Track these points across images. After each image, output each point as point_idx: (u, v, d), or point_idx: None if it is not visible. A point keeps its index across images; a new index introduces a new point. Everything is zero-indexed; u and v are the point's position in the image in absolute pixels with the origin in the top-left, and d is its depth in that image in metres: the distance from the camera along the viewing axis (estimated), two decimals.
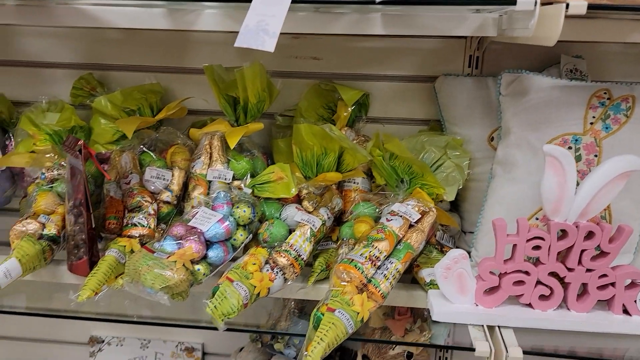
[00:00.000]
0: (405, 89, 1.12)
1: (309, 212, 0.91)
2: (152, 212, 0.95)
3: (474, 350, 0.76)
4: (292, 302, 1.01)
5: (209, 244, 0.84)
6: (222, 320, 0.73)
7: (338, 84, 1.10)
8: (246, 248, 0.90)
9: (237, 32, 0.60)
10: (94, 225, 0.88)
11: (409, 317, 1.04)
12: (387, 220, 0.84)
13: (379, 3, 0.60)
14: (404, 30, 0.75)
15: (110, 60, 1.17)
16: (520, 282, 0.80)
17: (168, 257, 0.80)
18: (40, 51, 1.18)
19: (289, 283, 0.85)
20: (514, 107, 0.90)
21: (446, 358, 1.31)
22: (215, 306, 0.74)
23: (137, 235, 0.92)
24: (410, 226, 0.85)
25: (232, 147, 0.96)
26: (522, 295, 0.81)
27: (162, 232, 0.96)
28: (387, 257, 0.80)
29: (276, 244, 0.88)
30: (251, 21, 0.57)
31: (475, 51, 1.06)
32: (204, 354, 1.39)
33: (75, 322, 1.38)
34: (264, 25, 0.56)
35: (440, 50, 1.08)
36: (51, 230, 0.93)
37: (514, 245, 0.79)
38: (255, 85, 0.97)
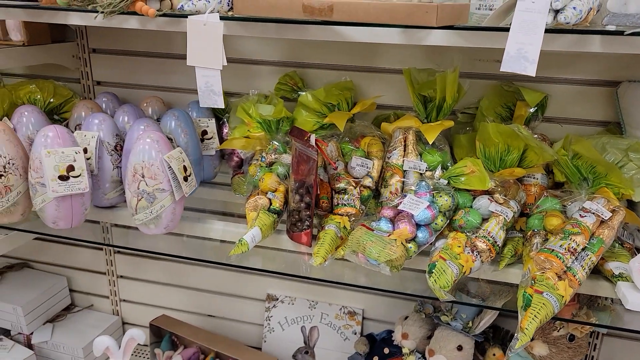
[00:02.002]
0: (585, 91, 1.19)
1: (500, 204, 1.03)
2: (357, 194, 1.12)
3: None
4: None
5: (417, 226, 0.99)
6: (441, 290, 0.88)
7: (520, 85, 1.19)
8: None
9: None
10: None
11: (576, 304, 1.13)
12: (581, 216, 0.94)
13: (629, 34, 0.70)
14: (620, 49, 0.83)
15: (309, 59, 1.35)
16: None
17: (389, 235, 0.96)
18: (250, 50, 1.38)
19: (483, 265, 0.98)
20: None
21: (595, 344, 1.39)
22: (434, 280, 0.89)
23: (346, 214, 1.09)
24: (601, 222, 0.95)
25: (430, 142, 1.09)
26: None
27: (362, 211, 1.13)
28: (583, 249, 0.90)
29: (470, 230, 1.01)
30: (512, 49, 0.69)
31: None
32: (364, 318, 1.57)
33: (255, 280, 1.62)
34: (523, 53, 0.68)
35: (624, 57, 1.14)
36: (276, 205, 1.12)
37: None
38: (453, 88, 1.10)
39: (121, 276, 1.74)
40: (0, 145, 1.04)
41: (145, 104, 1.38)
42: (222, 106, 0.92)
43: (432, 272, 0.91)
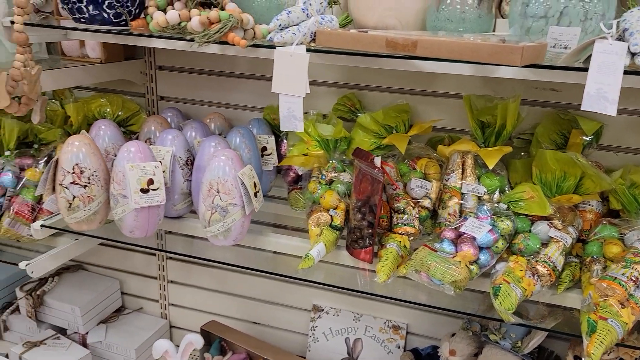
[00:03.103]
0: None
1: (559, 230, 1.07)
2: (415, 214, 1.17)
3: None
4: None
5: (479, 248, 1.03)
6: (507, 313, 0.92)
7: (575, 114, 1.23)
8: None
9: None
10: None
11: None
12: None
13: None
14: None
15: (367, 82, 1.40)
16: None
17: (453, 257, 1.00)
18: (311, 72, 1.42)
19: (542, 289, 1.02)
20: None
21: None
22: (500, 302, 0.94)
23: (406, 233, 1.14)
24: None
25: (491, 168, 1.14)
26: None
27: (421, 231, 1.18)
28: None
29: (530, 254, 1.05)
30: (591, 89, 0.74)
31: None
32: (408, 332, 1.61)
33: (301, 290, 1.67)
34: (603, 93, 0.73)
35: None
36: (337, 221, 1.18)
37: None
38: (514, 116, 1.14)
39: (171, 281, 1.81)
40: (86, 158, 1.12)
41: (208, 120, 1.45)
42: (302, 130, 0.97)
43: (498, 295, 0.95)
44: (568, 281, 1.04)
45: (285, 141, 1.43)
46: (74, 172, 1.11)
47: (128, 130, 1.50)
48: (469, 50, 0.77)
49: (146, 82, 1.54)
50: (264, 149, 1.40)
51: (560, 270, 1.02)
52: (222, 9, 1.08)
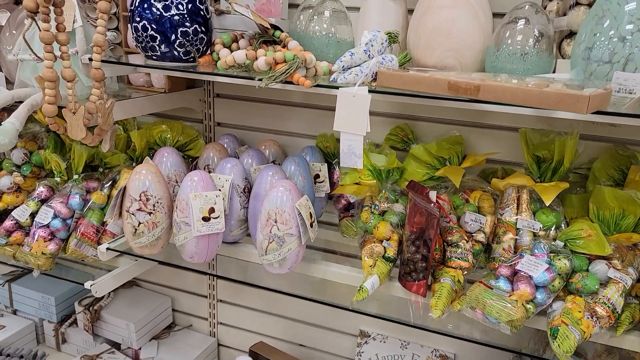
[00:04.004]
0: None
1: (619, 270, 1.05)
2: (469, 248, 1.17)
3: None
4: None
5: (536, 287, 1.03)
6: (566, 355, 0.91)
7: (634, 150, 1.21)
8: None
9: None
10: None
11: None
12: None
13: None
14: None
15: (420, 113, 1.42)
16: None
17: (510, 296, 1.00)
18: None
19: (601, 331, 1.01)
20: None
21: None
22: (558, 345, 0.93)
23: (460, 267, 1.15)
24: None
25: (547, 204, 1.13)
26: None
27: (474, 265, 1.18)
28: None
29: (587, 294, 1.04)
30: None
31: None
32: None
33: (349, 315, 1.69)
34: None
35: None
36: (390, 253, 1.19)
37: None
38: (571, 152, 1.14)
39: (221, 300, 1.85)
40: (152, 186, 1.17)
41: (263, 147, 1.49)
42: (361, 167, 1.00)
43: (556, 337, 0.94)
44: (628, 323, 1.02)
45: (337, 169, 1.46)
46: (140, 200, 1.17)
47: (186, 155, 1.56)
48: (534, 97, 0.78)
49: (205, 109, 1.61)
50: (317, 176, 1.43)
51: (619, 312, 1.01)
52: (285, 46, 1.13)
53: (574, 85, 0.84)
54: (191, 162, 1.53)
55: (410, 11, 1.17)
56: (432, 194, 1.13)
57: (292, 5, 1.41)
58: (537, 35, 0.98)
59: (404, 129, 1.41)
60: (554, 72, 1.01)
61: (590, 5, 0.99)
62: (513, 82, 0.86)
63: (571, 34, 1.01)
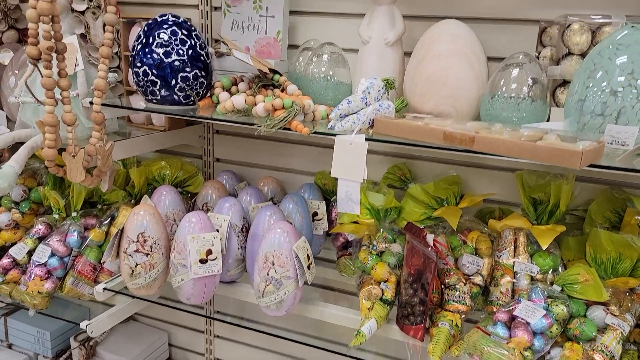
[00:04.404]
0: None
1: (616, 316, 1.05)
2: (467, 291, 1.17)
3: None
4: None
5: (533, 333, 1.02)
6: None
7: (630, 192, 1.22)
8: None
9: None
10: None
11: None
12: None
13: None
14: None
15: (417, 152, 1.43)
16: None
17: (507, 343, 1.00)
18: None
19: None
20: None
21: None
22: None
23: (457, 311, 1.14)
24: None
25: (544, 248, 1.13)
26: None
27: (472, 308, 1.17)
28: None
29: (585, 341, 1.03)
30: None
31: None
32: None
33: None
34: None
35: None
36: (388, 295, 1.19)
37: None
38: (567, 197, 1.14)
39: (218, 336, 1.84)
40: (150, 227, 1.18)
41: (262, 184, 1.50)
42: (359, 213, 1.01)
43: None
44: None
45: (335, 207, 1.47)
46: (138, 241, 1.17)
47: (185, 191, 1.57)
48: (527, 151, 0.79)
49: (204, 145, 1.62)
50: (315, 214, 1.43)
51: (617, 359, 1.00)
52: (284, 90, 1.14)
53: (567, 137, 0.86)
54: (190, 199, 1.54)
55: (407, 53, 1.19)
56: (430, 237, 1.14)
57: (291, 46, 1.44)
58: (530, 83, 0.99)
59: (402, 168, 1.42)
60: (548, 119, 1.02)
61: (582, 55, 1.01)
62: (507, 133, 0.87)
63: (564, 83, 1.03)
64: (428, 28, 1.12)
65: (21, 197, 1.48)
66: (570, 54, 1.02)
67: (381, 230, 1.31)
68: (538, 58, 1.13)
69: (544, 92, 1.01)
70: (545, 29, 1.12)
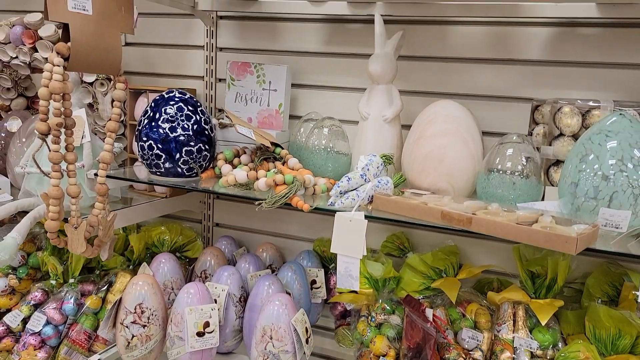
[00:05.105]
0: None
1: None
2: None
3: None
4: None
5: None
6: None
7: (626, 267, 1.23)
8: None
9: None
10: None
11: None
12: None
13: None
14: None
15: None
16: None
17: None
18: None
19: None
20: None
21: None
22: None
23: None
24: None
25: (543, 323, 1.13)
26: None
27: None
28: None
29: None
30: None
31: None
32: None
33: None
34: None
35: None
36: None
37: None
38: (564, 272, 1.15)
39: None
40: (148, 298, 1.17)
41: (260, 250, 1.51)
42: (358, 289, 1.01)
43: None
44: None
45: (334, 275, 1.47)
46: (135, 312, 1.16)
47: (184, 256, 1.57)
48: (524, 234, 0.81)
49: (204, 210, 1.64)
50: (314, 282, 1.43)
51: None
52: (285, 163, 1.17)
53: (562, 220, 0.87)
54: (188, 264, 1.54)
55: (405, 126, 1.23)
56: (429, 312, 1.13)
57: (292, 116, 1.48)
58: (524, 162, 1.02)
59: (400, 237, 1.43)
60: (543, 198, 1.05)
61: (574, 136, 1.04)
62: (503, 214, 0.89)
63: (558, 162, 1.06)
64: (425, 103, 1.16)
65: (19, 263, 1.47)
66: (561, 135, 1.05)
67: (380, 300, 1.31)
68: (531, 135, 1.17)
69: (537, 172, 1.04)
70: (538, 107, 1.17)
